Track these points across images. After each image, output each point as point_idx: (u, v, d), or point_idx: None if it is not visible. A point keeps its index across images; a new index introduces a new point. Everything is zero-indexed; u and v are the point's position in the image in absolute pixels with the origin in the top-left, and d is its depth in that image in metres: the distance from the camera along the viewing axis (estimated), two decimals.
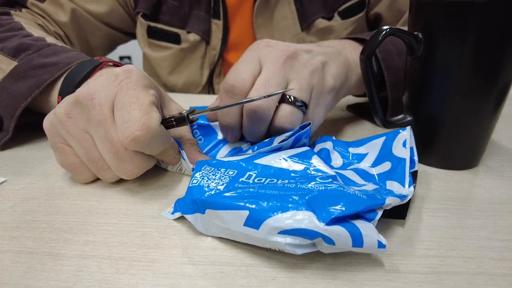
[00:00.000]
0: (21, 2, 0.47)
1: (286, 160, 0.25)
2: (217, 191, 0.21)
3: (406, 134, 0.26)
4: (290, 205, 0.19)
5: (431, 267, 0.19)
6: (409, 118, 0.30)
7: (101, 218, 0.24)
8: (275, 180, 0.23)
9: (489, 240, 0.21)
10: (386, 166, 0.26)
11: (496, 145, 0.33)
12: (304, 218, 0.18)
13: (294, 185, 0.22)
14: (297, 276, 0.19)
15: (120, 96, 0.24)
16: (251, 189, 0.21)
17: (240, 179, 0.23)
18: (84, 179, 0.27)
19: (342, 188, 0.21)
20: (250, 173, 0.24)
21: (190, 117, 0.27)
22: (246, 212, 0.19)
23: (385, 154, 0.27)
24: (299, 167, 0.24)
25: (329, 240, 0.18)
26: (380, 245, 0.18)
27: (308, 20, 0.52)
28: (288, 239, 0.18)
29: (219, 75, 0.56)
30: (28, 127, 0.39)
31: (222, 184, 0.22)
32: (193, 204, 0.22)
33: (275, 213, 0.19)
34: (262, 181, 0.23)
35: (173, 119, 0.27)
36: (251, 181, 0.23)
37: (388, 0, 0.52)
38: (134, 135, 0.23)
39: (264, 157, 0.25)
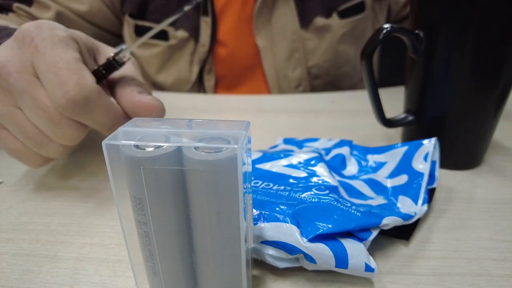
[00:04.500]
0: (6, 6, 0.46)
1: (288, 167, 0.24)
2: None
3: (429, 146, 0.24)
4: (276, 215, 0.18)
5: (432, 268, 0.19)
6: (410, 118, 0.29)
7: (98, 220, 0.23)
8: (271, 185, 0.22)
9: (491, 241, 0.21)
10: (402, 179, 0.24)
11: (498, 145, 0.33)
12: (286, 232, 0.17)
13: (287, 193, 0.21)
14: (297, 279, 0.18)
15: (38, 59, 0.21)
16: None
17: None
18: (35, 164, 0.25)
19: (336, 203, 0.19)
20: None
21: (117, 58, 0.24)
22: None
23: (404, 165, 0.25)
24: (301, 173, 0.23)
25: (310, 258, 0.17)
26: (368, 268, 0.17)
27: (307, 18, 0.52)
28: (271, 251, 0.18)
29: (209, 71, 0.56)
30: None
31: None
32: None
33: (259, 222, 0.18)
34: (258, 184, 0.22)
35: (101, 68, 0.24)
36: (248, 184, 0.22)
37: None
38: (69, 95, 0.20)
39: (265, 163, 0.25)
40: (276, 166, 0.24)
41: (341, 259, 0.17)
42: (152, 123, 0.14)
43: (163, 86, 0.59)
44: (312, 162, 0.24)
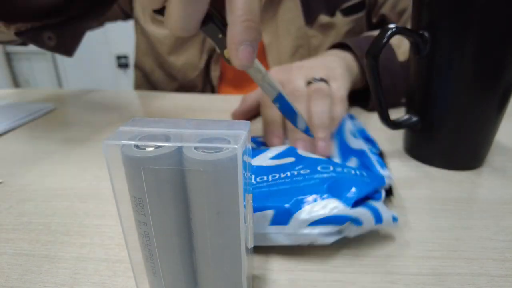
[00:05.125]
0: None
1: (273, 159, 0.25)
2: None
3: (349, 122, 0.27)
4: (314, 195, 0.20)
5: (433, 268, 0.19)
6: (414, 119, 0.29)
7: (98, 220, 0.23)
8: (277, 175, 0.22)
9: (491, 241, 0.21)
10: (354, 162, 0.26)
11: (498, 145, 0.33)
12: (332, 206, 0.19)
13: (302, 177, 0.22)
14: (297, 279, 0.18)
15: None
16: (262, 189, 0.21)
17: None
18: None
19: (346, 174, 0.22)
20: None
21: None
22: (271, 212, 0.19)
23: (346, 151, 0.28)
24: (288, 160, 0.24)
25: (357, 221, 0.19)
26: (394, 219, 0.20)
27: (311, 15, 0.52)
28: (318, 229, 0.19)
29: (216, 62, 0.56)
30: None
31: None
32: None
33: (302, 206, 0.19)
34: (265, 179, 0.22)
35: (220, 21, 0.25)
36: (254, 181, 0.22)
37: (392, 1, 0.54)
38: None
39: (253, 159, 0.25)
40: (265, 160, 0.25)
41: (377, 216, 0.20)
42: (152, 123, 0.14)
43: (173, 67, 0.59)
44: (290, 151, 0.26)
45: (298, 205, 0.19)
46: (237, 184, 0.13)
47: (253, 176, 0.23)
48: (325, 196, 0.19)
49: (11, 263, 0.20)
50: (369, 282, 0.18)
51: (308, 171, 0.22)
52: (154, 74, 0.62)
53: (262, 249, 0.20)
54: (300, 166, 0.23)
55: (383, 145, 0.34)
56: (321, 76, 0.34)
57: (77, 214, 0.24)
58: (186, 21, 0.23)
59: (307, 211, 0.19)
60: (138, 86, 0.66)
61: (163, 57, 0.58)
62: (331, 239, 0.19)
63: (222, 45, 0.25)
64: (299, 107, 0.31)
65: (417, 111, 0.29)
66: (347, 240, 0.21)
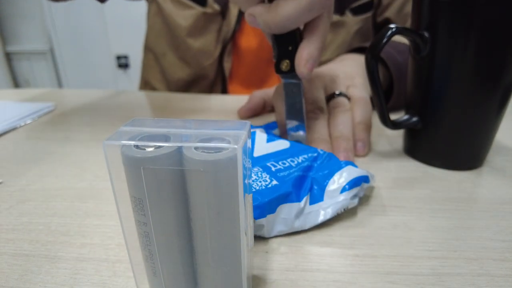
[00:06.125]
0: None
1: (269, 142, 0.27)
2: (272, 186, 0.22)
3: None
4: (331, 169, 0.23)
5: (432, 268, 0.19)
6: (414, 119, 0.29)
7: (98, 220, 0.23)
8: (295, 160, 0.25)
9: (491, 241, 0.21)
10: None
11: (498, 145, 0.33)
12: (350, 171, 0.23)
13: (316, 154, 0.25)
14: (297, 279, 0.18)
15: None
16: (295, 174, 0.23)
17: (274, 169, 0.23)
18: None
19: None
20: (268, 164, 0.24)
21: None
22: (307, 197, 0.22)
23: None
24: (283, 145, 0.26)
25: (366, 179, 0.23)
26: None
27: None
28: (350, 193, 0.22)
29: (229, 54, 0.56)
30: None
31: (271, 180, 0.22)
32: (267, 205, 0.20)
33: (328, 179, 0.22)
34: (287, 165, 0.24)
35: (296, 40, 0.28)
36: (280, 166, 0.24)
37: (397, 5, 0.54)
38: None
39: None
40: (263, 144, 0.26)
41: (370, 173, 0.24)
42: (152, 123, 0.14)
43: (188, 50, 0.58)
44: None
45: (325, 179, 0.22)
46: (237, 184, 0.13)
47: (272, 162, 0.24)
48: (342, 166, 0.23)
49: (11, 263, 0.20)
50: (369, 282, 0.18)
51: (316, 154, 0.26)
52: (166, 57, 0.61)
53: (262, 249, 0.20)
54: (303, 151, 0.26)
55: (383, 145, 0.34)
56: (340, 90, 0.34)
57: (77, 214, 0.24)
58: (293, 21, 0.26)
59: (335, 181, 0.22)
60: (146, 69, 0.64)
61: (180, 38, 0.58)
62: (355, 201, 0.22)
63: (285, 56, 0.28)
64: (318, 122, 0.32)
65: (417, 111, 0.29)
66: (347, 240, 0.21)
